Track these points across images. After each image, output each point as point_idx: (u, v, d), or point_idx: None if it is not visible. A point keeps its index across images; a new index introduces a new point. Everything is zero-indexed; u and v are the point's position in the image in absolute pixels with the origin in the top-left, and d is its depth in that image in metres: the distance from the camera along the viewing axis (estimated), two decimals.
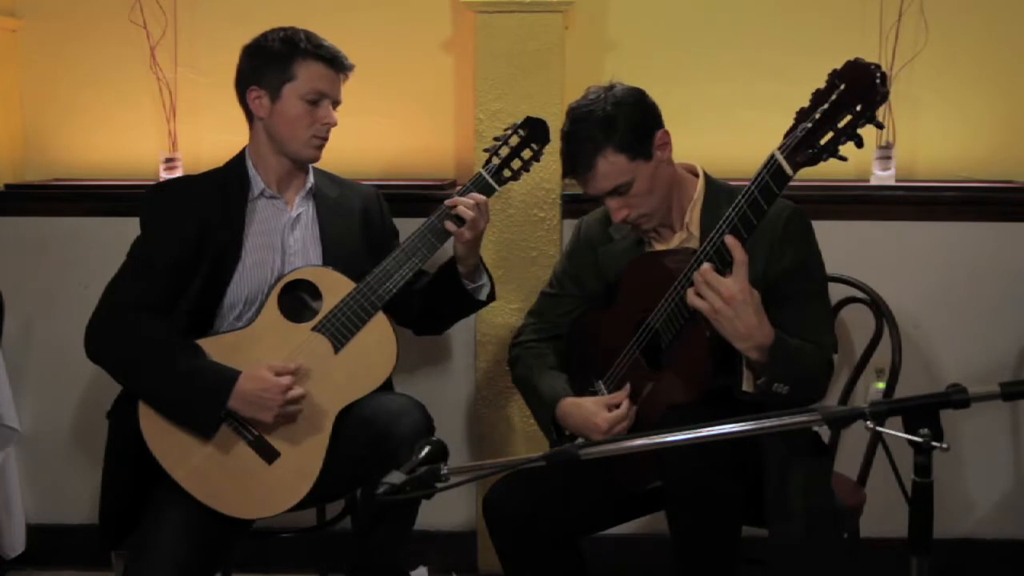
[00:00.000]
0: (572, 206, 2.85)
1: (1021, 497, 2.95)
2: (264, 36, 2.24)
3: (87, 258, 2.89)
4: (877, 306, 2.48)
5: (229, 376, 2.09)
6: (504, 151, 2.30)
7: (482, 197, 2.24)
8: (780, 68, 2.94)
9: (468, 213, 2.21)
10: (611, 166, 2.05)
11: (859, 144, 1.72)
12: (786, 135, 1.78)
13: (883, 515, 2.51)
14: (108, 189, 2.94)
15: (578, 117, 2.08)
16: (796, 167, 1.77)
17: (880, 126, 1.71)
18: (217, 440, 2.13)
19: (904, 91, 2.87)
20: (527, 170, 2.34)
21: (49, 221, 2.94)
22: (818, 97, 1.73)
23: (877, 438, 2.40)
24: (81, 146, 3.08)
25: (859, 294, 2.53)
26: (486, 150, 2.33)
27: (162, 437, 2.12)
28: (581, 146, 2.06)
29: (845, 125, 1.70)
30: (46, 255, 2.95)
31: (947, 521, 2.91)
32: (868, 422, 1.34)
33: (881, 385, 2.49)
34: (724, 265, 1.88)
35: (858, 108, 1.68)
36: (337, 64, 2.24)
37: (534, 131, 2.33)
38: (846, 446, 2.54)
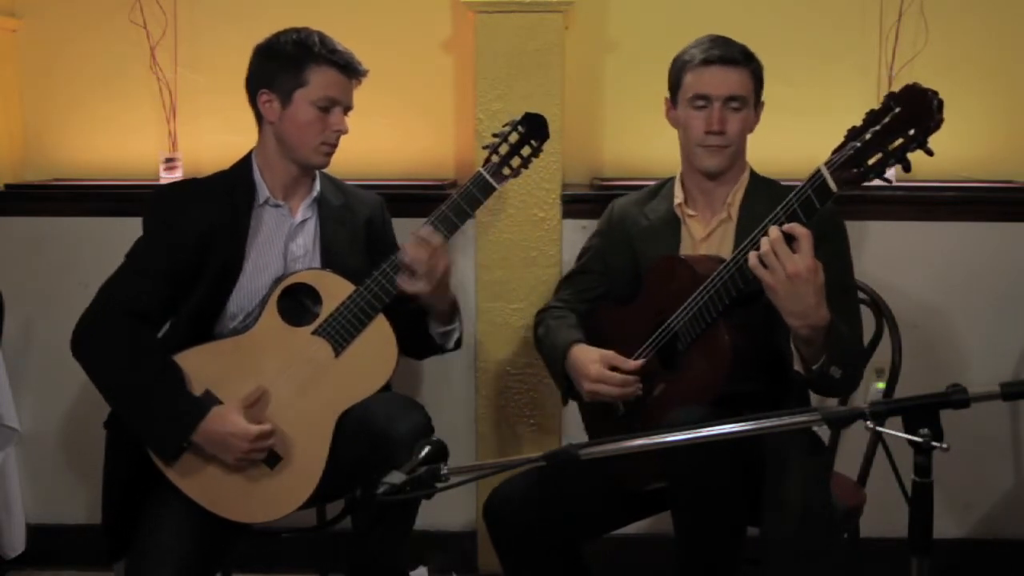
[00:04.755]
0: (572, 206, 2.85)
1: (1021, 497, 2.95)
2: (277, 37, 2.21)
3: (87, 258, 2.89)
4: (877, 306, 2.48)
5: (198, 411, 2.06)
6: (503, 148, 2.26)
7: (436, 239, 2.14)
8: (780, 68, 2.92)
9: (420, 265, 2.12)
10: (747, 77, 2.14)
11: (907, 168, 1.71)
12: (834, 151, 1.77)
13: (883, 515, 2.51)
14: (108, 189, 2.94)
15: (725, 36, 2.18)
16: (841, 184, 1.76)
17: (930, 153, 1.69)
18: None
19: None
20: (527, 167, 2.30)
21: (49, 221, 2.94)
22: (871, 117, 1.72)
23: (877, 438, 2.40)
24: (81, 146, 3.08)
25: (859, 294, 2.53)
26: (485, 147, 2.30)
27: None
28: (732, 48, 2.15)
29: (895, 148, 1.69)
30: (46, 255, 2.95)
31: (947, 521, 2.92)
32: (868, 422, 1.34)
33: (881, 385, 2.50)
34: (751, 276, 1.88)
35: (911, 132, 1.68)
36: (350, 70, 2.19)
37: (533, 127, 2.28)
38: (846, 446, 2.54)
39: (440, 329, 2.29)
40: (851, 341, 2.01)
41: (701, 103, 2.14)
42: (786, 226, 1.82)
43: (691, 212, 2.23)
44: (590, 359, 2.13)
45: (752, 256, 1.84)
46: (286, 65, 2.17)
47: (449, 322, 2.30)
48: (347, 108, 2.23)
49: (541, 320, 2.37)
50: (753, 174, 2.23)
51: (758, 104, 2.19)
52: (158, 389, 2.08)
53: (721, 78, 2.12)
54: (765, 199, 2.14)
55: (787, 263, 1.79)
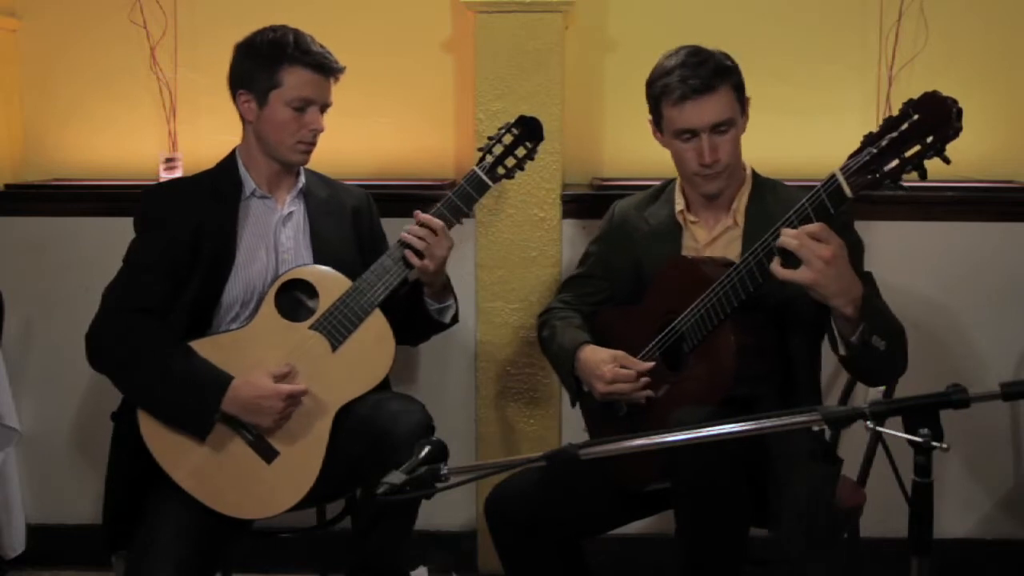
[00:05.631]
0: (572, 206, 2.85)
1: (1021, 497, 2.95)
2: (254, 37, 2.23)
3: (87, 258, 2.89)
4: None
5: (223, 380, 2.09)
6: (497, 149, 2.30)
7: (437, 222, 2.20)
8: (779, 68, 2.94)
9: (419, 243, 2.19)
10: (727, 97, 2.07)
11: (923, 176, 1.70)
12: (850, 157, 1.76)
13: (883, 515, 2.51)
14: (108, 189, 2.94)
15: (692, 51, 2.09)
16: (856, 189, 1.75)
17: (947, 161, 1.68)
18: (216, 440, 2.13)
19: (904, 91, 2.87)
20: (522, 168, 2.34)
21: (49, 221, 2.94)
22: (888, 124, 1.71)
23: (877, 438, 2.40)
24: (81, 146, 3.08)
25: None
26: (480, 149, 2.33)
27: (161, 438, 2.13)
28: (702, 71, 2.05)
29: (912, 155, 1.68)
30: (46, 255, 2.95)
31: (947, 521, 2.92)
32: (868, 422, 1.34)
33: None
34: (761, 280, 1.89)
35: (929, 140, 1.66)
36: (325, 70, 2.21)
37: (527, 129, 2.32)
38: (846, 446, 2.54)
39: (436, 306, 2.33)
40: (890, 318, 1.98)
41: (687, 136, 2.10)
42: (799, 229, 1.80)
43: (693, 218, 2.21)
44: (601, 360, 2.13)
45: (776, 265, 1.82)
46: (261, 66, 2.19)
47: (444, 299, 2.34)
48: (324, 106, 2.24)
49: (545, 322, 2.36)
50: (755, 175, 2.22)
51: (744, 109, 2.15)
52: (177, 369, 2.09)
53: (702, 110, 2.06)
54: (771, 201, 2.14)
55: (820, 251, 1.78)
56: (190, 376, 2.10)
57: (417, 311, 2.33)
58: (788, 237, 1.80)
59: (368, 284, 2.19)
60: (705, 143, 2.08)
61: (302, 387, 2.13)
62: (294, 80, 2.18)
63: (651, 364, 2.09)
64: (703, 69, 2.06)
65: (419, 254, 2.19)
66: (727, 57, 2.11)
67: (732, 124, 2.09)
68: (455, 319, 2.39)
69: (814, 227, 1.79)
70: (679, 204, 2.23)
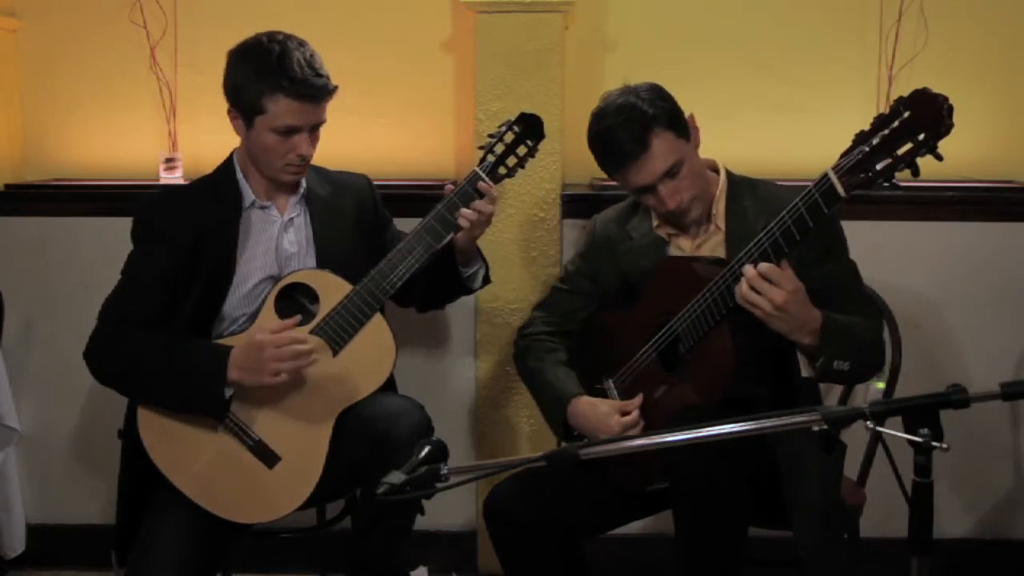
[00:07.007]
0: (572, 206, 2.85)
1: (1021, 497, 2.95)
2: (244, 48, 2.14)
3: (87, 258, 2.89)
4: (877, 306, 2.48)
5: (224, 350, 2.07)
6: (499, 148, 2.27)
7: (489, 208, 2.22)
8: (779, 68, 2.94)
9: (471, 216, 2.20)
10: (664, 143, 2.04)
11: (916, 173, 1.71)
12: (842, 155, 1.76)
13: (883, 515, 2.51)
14: (108, 189, 2.94)
15: (615, 109, 2.06)
16: (849, 188, 1.76)
17: (939, 158, 1.68)
18: (218, 446, 2.13)
19: (904, 91, 2.84)
20: (523, 167, 2.31)
21: (49, 221, 2.94)
22: (880, 122, 1.71)
23: (877, 438, 2.40)
24: (81, 146, 3.08)
25: None
26: (481, 147, 2.31)
27: (163, 446, 2.12)
28: (630, 131, 2.03)
29: (904, 153, 1.69)
30: (46, 255, 2.95)
31: (947, 521, 2.92)
32: (868, 422, 1.34)
33: (881, 385, 2.49)
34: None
35: (920, 137, 1.67)
36: (310, 98, 2.11)
37: (528, 127, 2.29)
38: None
39: (467, 272, 2.33)
40: (857, 335, 2.00)
41: (641, 191, 2.10)
42: (758, 268, 1.85)
43: (672, 231, 2.21)
44: (605, 415, 2.13)
45: (739, 296, 1.89)
46: (246, 87, 2.12)
47: (473, 264, 2.34)
48: (315, 127, 2.17)
49: (528, 348, 2.35)
50: (730, 176, 2.20)
51: (691, 131, 2.11)
52: (178, 355, 2.08)
53: (643, 169, 2.05)
54: (751, 200, 2.14)
55: (772, 296, 1.85)
56: (191, 358, 2.08)
57: (447, 278, 2.32)
58: (740, 288, 1.87)
59: (368, 288, 2.18)
60: (662, 193, 2.07)
61: (294, 323, 2.06)
62: (277, 108, 2.10)
63: (639, 401, 2.12)
64: (632, 127, 2.03)
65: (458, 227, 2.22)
66: (652, 100, 2.06)
67: (681, 163, 2.06)
68: (487, 279, 2.40)
69: (769, 269, 1.85)
70: (656, 219, 2.22)
